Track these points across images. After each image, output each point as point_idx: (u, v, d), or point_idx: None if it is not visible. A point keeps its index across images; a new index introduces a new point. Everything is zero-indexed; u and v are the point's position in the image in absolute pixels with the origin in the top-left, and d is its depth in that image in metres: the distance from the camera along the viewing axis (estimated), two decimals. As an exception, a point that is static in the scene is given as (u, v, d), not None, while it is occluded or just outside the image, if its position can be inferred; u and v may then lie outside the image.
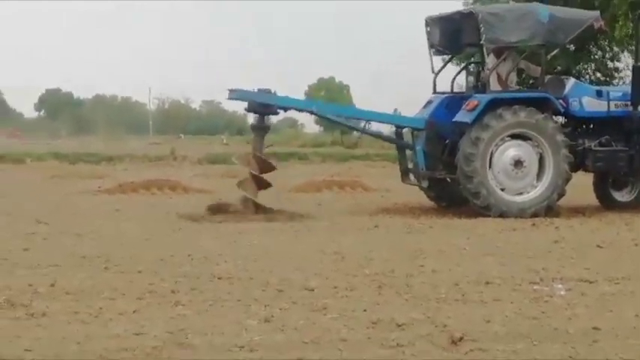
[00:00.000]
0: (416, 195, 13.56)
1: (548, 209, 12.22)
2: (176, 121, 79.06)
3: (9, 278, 7.01)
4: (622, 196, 13.66)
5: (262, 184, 12.13)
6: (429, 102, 13.25)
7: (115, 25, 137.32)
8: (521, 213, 12.00)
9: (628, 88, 13.11)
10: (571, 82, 12.98)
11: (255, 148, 12.31)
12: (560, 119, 13.06)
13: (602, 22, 12.94)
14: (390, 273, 7.33)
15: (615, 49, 27.75)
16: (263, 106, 12.42)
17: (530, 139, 12.26)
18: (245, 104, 12.54)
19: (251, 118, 13.06)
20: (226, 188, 14.17)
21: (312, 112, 13.33)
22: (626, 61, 27.19)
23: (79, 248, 8.74)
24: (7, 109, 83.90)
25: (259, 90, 12.45)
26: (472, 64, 14.39)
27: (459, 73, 14.31)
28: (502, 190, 12.21)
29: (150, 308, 5.97)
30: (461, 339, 5.08)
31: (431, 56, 13.33)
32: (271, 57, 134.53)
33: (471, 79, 13.49)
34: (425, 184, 12.91)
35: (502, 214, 11.93)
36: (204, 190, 16.30)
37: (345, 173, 20.79)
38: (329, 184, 17.32)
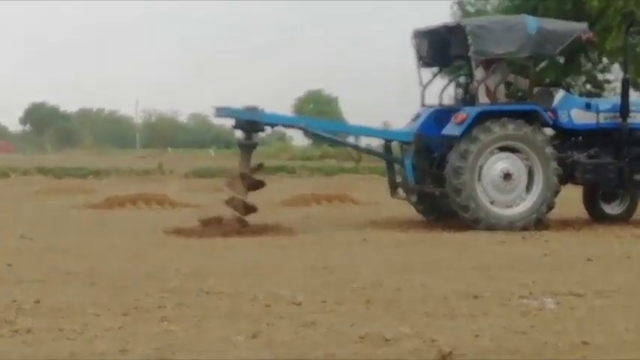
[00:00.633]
0: (405, 209, 13.53)
1: (538, 222, 12.20)
2: (163, 134, 79.05)
3: (-7, 294, 6.92)
4: (611, 208, 13.66)
5: (250, 208, 12.04)
6: (418, 115, 13.23)
7: (103, 38, 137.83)
8: (510, 226, 11.98)
9: (617, 100, 13.13)
10: (560, 94, 12.98)
11: (242, 166, 12.24)
12: (549, 131, 13.08)
13: (590, 34, 12.97)
14: (378, 287, 7.28)
15: (605, 61, 27.92)
16: (250, 123, 12.37)
17: (519, 151, 12.25)
18: (232, 121, 12.53)
19: (238, 133, 12.97)
20: (214, 202, 14.10)
21: (300, 129, 13.25)
22: (616, 73, 27.36)
23: (64, 264, 8.67)
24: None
25: (246, 107, 12.40)
26: (461, 77, 14.40)
27: (447, 85, 14.31)
28: (491, 203, 12.19)
29: (136, 324, 5.89)
30: (449, 354, 5.03)
31: (419, 69, 13.34)
32: (259, 69, 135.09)
33: (460, 91, 13.49)
34: (414, 198, 12.88)
35: (491, 227, 11.90)
36: (191, 205, 16.24)
37: (334, 187, 20.74)
38: (317, 197, 17.27)
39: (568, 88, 25.58)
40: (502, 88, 13.06)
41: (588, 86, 28.37)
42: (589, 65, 28.35)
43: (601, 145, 12.78)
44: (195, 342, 5.37)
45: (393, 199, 13.53)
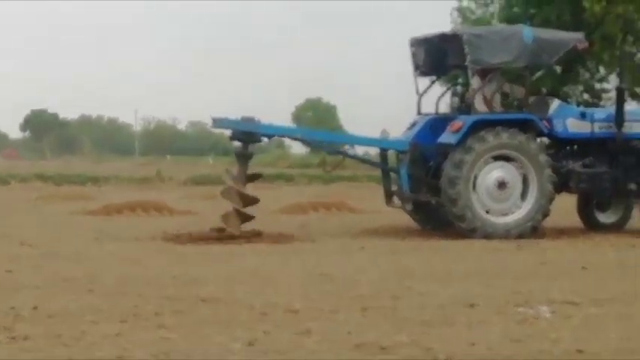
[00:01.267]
0: (402, 217, 13.55)
1: (533, 230, 12.25)
2: (162, 141, 79.06)
3: (-8, 301, 6.95)
4: (606, 217, 13.71)
5: (246, 217, 12.04)
6: (414, 123, 13.28)
7: (101, 45, 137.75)
8: (506, 234, 12.03)
9: (612, 110, 13.19)
10: (555, 103, 13.04)
11: (239, 177, 12.26)
12: (545, 140, 13.13)
13: (586, 44, 13.04)
14: (375, 295, 7.32)
15: (603, 70, 27.95)
16: (247, 134, 12.40)
17: (513, 160, 12.29)
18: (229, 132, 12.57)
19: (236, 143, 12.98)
20: (212, 210, 14.14)
21: (297, 139, 13.26)
22: (614, 83, 27.37)
23: (63, 270, 8.70)
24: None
25: (243, 118, 12.44)
26: (457, 86, 14.45)
27: (443, 94, 14.36)
28: (487, 212, 12.23)
29: (133, 331, 5.92)
30: (446, 362, 5.07)
31: (415, 77, 13.40)
32: (259, 78, 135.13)
33: (456, 100, 13.53)
34: (409, 207, 12.91)
35: (487, 236, 11.95)
36: (189, 212, 16.28)
37: (332, 194, 20.78)
38: (315, 205, 17.31)
39: (565, 98, 25.64)
40: (498, 97, 13.12)
41: (586, 96, 28.36)
42: (587, 75, 28.37)
43: (596, 154, 12.83)
44: (192, 349, 5.39)
45: (390, 208, 13.56)
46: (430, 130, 12.90)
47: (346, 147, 13.71)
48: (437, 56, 13.22)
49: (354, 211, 16.95)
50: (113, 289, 7.54)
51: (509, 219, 12.26)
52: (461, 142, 12.10)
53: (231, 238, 11.66)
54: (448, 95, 14.20)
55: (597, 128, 12.86)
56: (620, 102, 13.02)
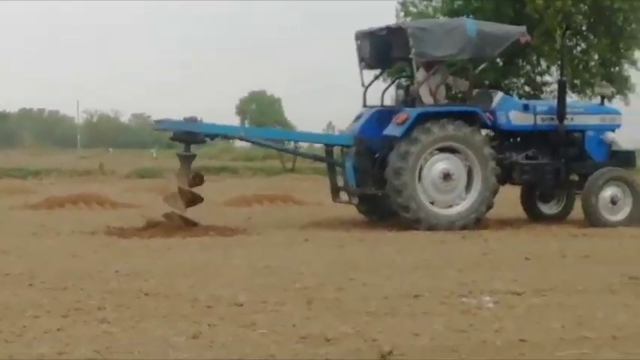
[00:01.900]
0: (347, 209, 13.58)
1: (477, 221, 12.36)
2: (105, 134, 78.24)
3: None
4: (549, 208, 13.91)
5: (189, 223, 11.97)
6: (359, 116, 13.30)
7: (44, 38, 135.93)
8: (450, 225, 12.12)
9: (554, 102, 13.36)
10: (499, 95, 13.16)
11: (181, 178, 12.16)
12: (489, 132, 13.25)
13: (528, 37, 13.17)
14: (320, 287, 7.31)
15: (544, 63, 28.30)
16: (189, 134, 12.29)
17: (458, 152, 12.38)
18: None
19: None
20: (155, 203, 14.02)
21: (240, 138, 13.15)
22: (555, 76, 27.75)
23: (3, 265, 8.55)
24: None
25: (185, 119, 12.34)
26: (402, 78, 14.51)
27: (388, 86, 14.42)
28: (431, 203, 12.30)
29: (75, 326, 5.85)
30: (390, 353, 5.08)
31: (361, 70, 13.42)
32: (202, 70, 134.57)
33: (401, 92, 13.57)
34: (355, 201, 12.92)
35: (432, 227, 12.02)
36: (132, 205, 16.11)
37: (277, 187, 20.74)
38: (260, 198, 17.27)
39: (508, 90, 25.93)
40: (443, 90, 13.20)
41: (527, 88, 28.70)
42: (528, 67, 28.70)
43: (538, 146, 13.00)
44: (135, 344, 5.34)
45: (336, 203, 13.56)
46: (376, 123, 12.94)
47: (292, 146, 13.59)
48: (382, 49, 13.26)
49: (298, 204, 16.95)
50: (54, 284, 7.43)
51: (454, 210, 12.35)
52: (406, 134, 12.14)
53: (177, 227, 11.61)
54: (393, 88, 14.27)
55: (540, 120, 13.02)
56: (561, 94, 13.20)
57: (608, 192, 12.62)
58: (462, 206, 12.35)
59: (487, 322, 6.02)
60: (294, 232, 11.85)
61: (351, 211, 13.54)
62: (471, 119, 12.47)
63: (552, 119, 13.02)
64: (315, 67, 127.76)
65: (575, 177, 13.33)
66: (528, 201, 13.92)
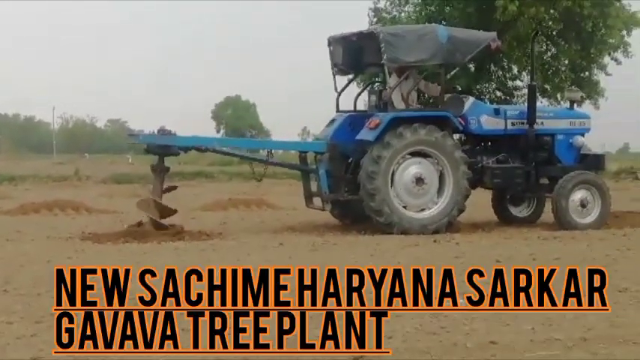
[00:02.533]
0: (321, 213, 13.64)
1: (449, 225, 12.47)
2: (81, 140, 77.82)
3: None
4: (519, 211, 14.06)
5: (161, 227, 11.99)
6: (332, 120, 13.40)
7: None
8: (422, 229, 12.22)
9: (525, 107, 13.50)
10: (470, 100, 13.28)
11: (155, 191, 12.19)
12: (460, 137, 13.37)
13: (498, 43, 13.30)
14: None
15: (514, 67, 28.48)
16: (163, 147, 12.30)
17: (430, 156, 12.50)
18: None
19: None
20: (130, 208, 14.03)
21: (214, 150, 13.12)
22: (526, 81, 27.91)
23: (-23, 271, 8.54)
24: None
25: (159, 131, 12.35)
26: (375, 84, 14.60)
27: (361, 92, 14.52)
28: (404, 207, 12.40)
29: (49, 332, 5.87)
30: (361, 356, 5.15)
31: (334, 75, 13.51)
32: (179, 74, 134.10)
33: (374, 97, 13.66)
34: (328, 207, 13.00)
35: (404, 231, 12.12)
36: (107, 211, 16.11)
37: (251, 192, 20.79)
38: (235, 202, 17.32)
39: (479, 95, 26.10)
40: (414, 95, 13.31)
41: (499, 93, 28.88)
42: (499, 73, 28.89)
43: (509, 150, 13.14)
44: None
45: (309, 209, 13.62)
46: (349, 128, 13.04)
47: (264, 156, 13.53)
48: (354, 54, 13.35)
49: (273, 208, 17.00)
50: (28, 290, 7.44)
51: (426, 214, 12.46)
52: (379, 139, 12.25)
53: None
54: (366, 93, 14.37)
55: (510, 125, 13.16)
56: (531, 99, 13.34)
57: (577, 195, 12.78)
58: (434, 210, 12.47)
59: (458, 324, 6.09)
60: (269, 236, 11.91)
61: (324, 216, 13.62)
62: (442, 124, 12.59)
63: (523, 123, 13.16)
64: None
65: (545, 180, 13.49)
66: (499, 204, 14.07)
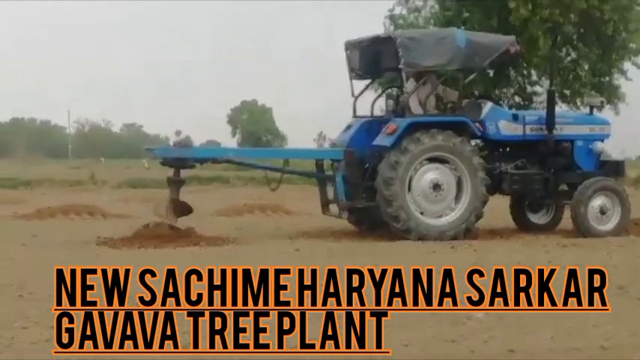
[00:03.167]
0: (337, 219, 13.58)
1: (467, 231, 12.39)
2: (96, 144, 78.12)
3: None
4: (538, 218, 13.96)
5: (181, 233, 11.98)
6: (349, 126, 13.34)
7: (34, 47, 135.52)
8: (440, 236, 12.14)
9: (544, 112, 13.40)
10: (488, 105, 13.19)
11: (170, 205, 12.19)
12: (478, 142, 13.28)
13: (517, 47, 13.22)
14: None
15: (533, 73, 28.32)
16: (178, 160, 12.32)
17: (448, 162, 12.42)
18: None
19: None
20: (146, 213, 14.01)
21: (229, 161, 13.12)
22: (545, 86, 27.76)
23: (-7, 276, 8.53)
24: None
25: (174, 143, 12.42)
26: (392, 88, 14.55)
27: (378, 97, 14.47)
28: (421, 213, 12.33)
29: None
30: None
31: (351, 80, 13.46)
32: (195, 78, 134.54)
33: (391, 102, 13.62)
34: (345, 215, 12.91)
35: (422, 238, 12.05)
36: (123, 215, 16.11)
37: (267, 197, 20.72)
38: (250, 207, 17.29)
39: (498, 100, 25.95)
40: (432, 100, 13.24)
41: (517, 98, 28.70)
42: (519, 78, 28.71)
43: (528, 156, 13.05)
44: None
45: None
46: (366, 133, 12.98)
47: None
48: (371, 59, 13.29)
49: (289, 213, 16.96)
50: (44, 295, 7.40)
51: (444, 220, 12.38)
52: (396, 144, 12.18)
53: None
54: (383, 98, 14.31)
55: (529, 130, 13.07)
56: (550, 104, 13.25)
57: (597, 202, 12.69)
58: (452, 216, 12.39)
59: (476, 332, 6.04)
60: (285, 242, 11.87)
61: (341, 221, 13.54)
62: (460, 129, 12.52)
63: (541, 129, 13.07)
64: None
65: (564, 187, 13.38)
66: (518, 211, 13.97)
